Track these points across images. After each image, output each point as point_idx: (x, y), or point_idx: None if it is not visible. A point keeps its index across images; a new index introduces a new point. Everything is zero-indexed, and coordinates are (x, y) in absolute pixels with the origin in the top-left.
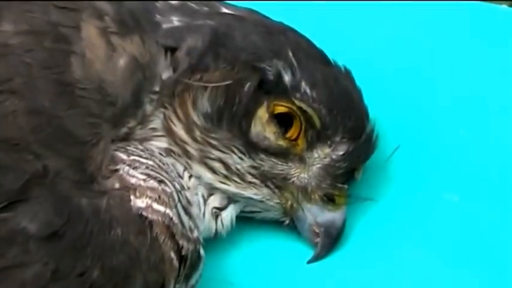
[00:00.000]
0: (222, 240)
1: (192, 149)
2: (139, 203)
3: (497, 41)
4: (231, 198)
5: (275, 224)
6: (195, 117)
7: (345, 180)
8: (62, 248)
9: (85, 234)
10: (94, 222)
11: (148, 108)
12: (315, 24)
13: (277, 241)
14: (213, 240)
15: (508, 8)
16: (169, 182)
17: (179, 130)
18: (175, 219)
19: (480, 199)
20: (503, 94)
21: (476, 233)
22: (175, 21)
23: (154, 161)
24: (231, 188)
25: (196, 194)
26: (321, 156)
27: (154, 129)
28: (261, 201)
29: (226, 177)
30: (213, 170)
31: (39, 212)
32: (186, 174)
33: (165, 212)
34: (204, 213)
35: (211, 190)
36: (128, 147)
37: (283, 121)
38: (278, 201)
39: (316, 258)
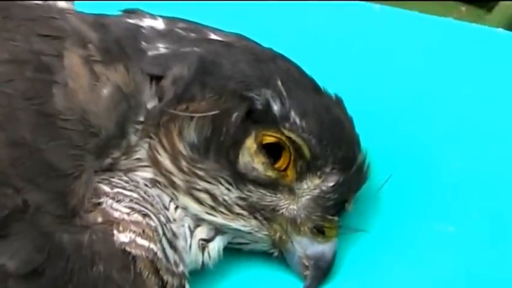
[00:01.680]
0: (209, 273)
1: (178, 179)
2: (122, 237)
3: (494, 68)
4: (218, 230)
5: (264, 255)
6: (181, 147)
7: (336, 212)
8: (42, 286)
9: (66, 271)
10: (75, 258)
11: (133, 138)
12: (305, 51)
13: (266, 273)
14: (200, 273)
15: (504, 32)
16: (154, 215)
17: (165, 160)
18: (160, 254)
19: (476, 230)
20: (497, 123)
21: (470, 264)
22: (162, 48)
23: (138, 193)
24: (218, 219)
25: (183, 226)
26: (311, 187)
27: (139, 159)
28: (249, 233)
29: (213, 208)
30: (199, 201)
31: (18, 249)
32: (172, 206)
33: (149, 246)
34: (190, 245)
35: (198, 221)
36: (112, 179)
37: (272, 151)
38: (267, 233)
39: None
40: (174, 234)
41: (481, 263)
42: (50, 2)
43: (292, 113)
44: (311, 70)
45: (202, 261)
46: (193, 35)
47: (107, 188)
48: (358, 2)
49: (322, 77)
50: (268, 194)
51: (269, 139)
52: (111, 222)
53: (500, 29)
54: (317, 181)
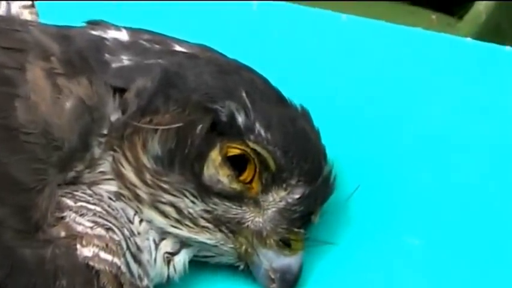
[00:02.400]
0: (175, 286)
1: (143, 192)
2: (86, 252)
3: (462, 78)
4: (183, 243)
5: (230, 268)
6: (145, 160)
7: (302, 224)
8: None
9: (29, 286)
10: (38, 273)
11: (97, 151)
12: (271, 62)
13: (232, 286)
14: (166, 287)
15: (472, 41)
16: (118, 228)
17: (129, 173)
18: (124, 268)
19: (441, 243)
20: (466, 134)
21: (436, 278)
22: (125, 60)
23: (102, 206)
24: (184, 232)
25: (147, 239)
26: (277, 199)
27: (103, 172)
28: (215, 246)
29: (178, 221)
30: (164, 214)
31: None
32: (137, 219)
33: (112, 260)
34: (155, 259)
35: (163, 234)
36: (76, 192)
37: (237, 164)
38: (232, 245)
39: None
40: (138, 247)
41: (447, 276)
42: (14, 12)
43: (257, 125)
44: (276, 80)
45: (168, 275)
46: (157, 46)
47: (70, 202)
48: (325, 10)
49: (288, 88)
50: (234, 207)
51: (234, 151)
52: (75, 237)
53: (468, 39)
54: (283, 193)
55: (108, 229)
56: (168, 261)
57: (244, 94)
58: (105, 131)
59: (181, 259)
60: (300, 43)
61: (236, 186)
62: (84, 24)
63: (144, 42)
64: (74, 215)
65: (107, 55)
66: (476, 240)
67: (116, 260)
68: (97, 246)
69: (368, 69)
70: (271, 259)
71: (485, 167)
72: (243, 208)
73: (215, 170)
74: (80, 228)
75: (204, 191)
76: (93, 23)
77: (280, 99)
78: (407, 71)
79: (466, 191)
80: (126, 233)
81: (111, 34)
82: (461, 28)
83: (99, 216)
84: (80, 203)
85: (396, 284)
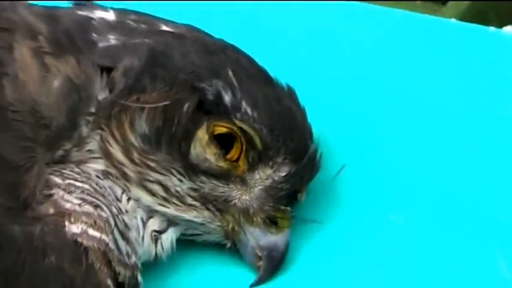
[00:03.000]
0: (162, 265)
1: (130, 171)
2: (74, 228)
3: (447, 58)
4: (171, 221)
5: (217, 247)
6: (132, 138)
7: (288, 202)
8: None
9: (17, 263)
10: (27, 250)
11: (85, 130)
12: (257, 40)
13: (219, 265)
14: (153, 264)
15: (457, 23)
16: (106, 206)
17: (116, 152)
18: (112, 245)
19: (424, 221)
20: (451, 113)
21: (420, 254)
22: (112, 39)
23: (90, 184)
24: (171, 210)
25: (135, 217)
26: (263, 177)
27: (91, 151)
28: (202, 224)
29: (165, 199)
30: (151, 193)
31: None
32: (124, 197)
33: (100, 237)
34: (143, 237)
35: (151, 213)
36: (64, 171)
37: (223, 142)
38: (219, 224)
39: (258, 282)
40: (126, 225)
41: (430, 252)
42: None
43: (244, 104)
44: (263, 60)
45: (155, 253)
46: (144, 26)
47: (58, 180)
48: None
49: (274, 66)
50: (221, 185)
51: (221, 130)
52: (63, 214)
53: (453, 19)
54: (269, 171)
55: (96, 206)
56: (155, 240)
57: (230, 73)
58: (92, 110)
59: (169, 237)
60: (281, 26)
61: (223, 164)
62: (71, 5)
63: (131, 22)
64: (62, 192)
65: (94, 35)
66: (457, 217)
67: (104, 237)
68: (85, 223)
69: (353, 50)
70: (257, 237)
71: (468, 146)
72: (230, 186)
73: (202, 148)
74: (68, 206)
75: (191, 169)
76: (80, 4)
77: (266, 79)
78: (392, 52)
79: (449, 170)
80: (114, 210)
81: (98, 14)
82: (444, 13)
83: (87, 194)
84: (68, 181)
85: (381, 260)
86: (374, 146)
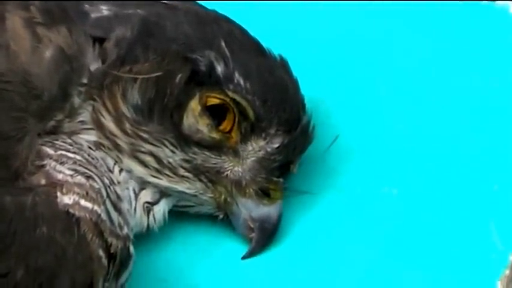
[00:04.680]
0: (154, 236)
1: (122, 142)
2: (66, 199)
3: (454, 35)
4: (163, 193)
5: (209, 218)
6: (124, 109)
7: (281, 174)
8: None
9: (9, 233)
10: (18, 220)
11: (77, 100)
12: (255, 17)
13: (212, 236)
14: (146, 236)
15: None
16: (98, 177)
17: (108, 123)
18: (104, 216)
19: (419, 192)
20: (441, 86)
21: (414, 226)
22: (104, 10)
23: (82, 155)
24: (163, 182)
25: (127, 189)
26: (256, 149)
27: (83, 122)
28: (194, 196)
29: (158, 171)
30: (144, 164)
31: None
32: (117, 168)
33: (92, 208)
34: (135, 208)
35: (143, 184)
36: (56, 142)
37: (216, 113)
38: (211, 195)
39: (250, 253)
40: (118, 196)
41: (424, 224)
42: None
43: (236, 75)
44: (259, 34)
45: (147, 224)
46: None
47: (50, 151)
48: None
49: (269, 39)
50: (213, 156)
51: (213, 101)
52: (55, 184)
53: None
54: (261, 143)
55: (88, 177)
56: (147, 211)
57: (223, 44)
58: (84, 81)
59: (161, 209)
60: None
61: (215, 135)
62: None
63: None
64: (54, 163)
65: (86, 5)
66: (451, 190)
67: (96, 207)
68: (77, 194)
69: (345, 22)
70: (250, 208)
71: (463, 121)
72: (222, 157)
73: (194, 119)
74: (60, 176)
75: (184, 140)
76: None
77: (259, 50)
78: (388, 30)
79: (443, 142)
80: (106, 181)
81: None
82: None
83: (79, 165)
84: (60, 152)
85: (374, 231)
86: (368, 117)
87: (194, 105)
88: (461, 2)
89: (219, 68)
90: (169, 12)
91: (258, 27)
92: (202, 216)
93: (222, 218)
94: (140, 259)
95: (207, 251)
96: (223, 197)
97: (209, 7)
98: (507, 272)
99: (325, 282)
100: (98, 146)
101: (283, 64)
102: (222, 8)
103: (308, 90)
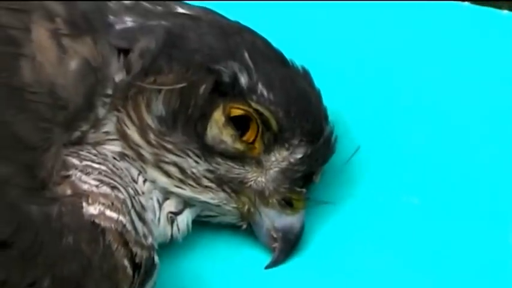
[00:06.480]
0: (178, 246)
1: (147, 152)
2: (91, 210)
3: (459, 40)
4: (186, 203)
5: (233, 228)
6: (149, 120)
7: (304, 184)
8: (12, 257)
9: (35, 243)
10: (45, 230)
11: (101, 111)
12: (274, 24)
13: (235, 246)
14: (169, 246)
15: (468, 5)
16: (123, 187)
17: (133, 133)
18: (129, 226)
19: (440, 201)
20: (464, 95)
21: (435, 236)
22: (129, 21)
23: (107, 166)
24: (187, 192)
25: (151, 199)
26: (279, 159)
27: (107, 132)
28: (218, 206)
29: (181, 181)
30: (168, 174)
31: None
32: (141, 179)
33: (118, 218)
34: (159, 218)
35: (167, 194)
36: (81, 152)
37: (239, 124)
38: (235, 205)
39: (273, 263)
40: (142, 206)
41: (445, 233)
42: None
43: (260, 86)
44: (280, 43)
45: (171, 234)
46: (160, 8)
47: (75, 161)
48: None
49: (291, 50)
50: (236, 167)
51: (237, 111)
52: (80, 195)
53: (466, 3)
54: (285, 153)
55: (113, 188)
56: (171, 221)
57: (246, 55)
58: (109, 92)
59: (185, 219)
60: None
61: (239, 146)
62: None
63: (147, 4)
64: (79, 173)
65: (110, 17)
66: (473, 199)
67: (121, 218)
68: (102, 204)
69: (364, 32)
70: (273, 218)
71: (483, 128)
72: (246, 168)
73: (218, 130)
74: (85, 187)
75: (207, 151)
76: None
77: (281, 60)
78: (405, 36)
79: (464, 151)
80: (131, 192)
81: None
82: None
83: (104, 175)
84: (85, 162)
85: (396, 241)
86: (389, 127)
87: (218, 116)
88: (481, 9)
89: (243, 79)
90: (193, 23)
91: (273, 34)
92: (225, 226)
93: (244, 227)
94: (163, 268)
95: (229, 259)
96: (246, 207)
97: (209, 7)
98: None
99: None
100: (122, 156)
101: (305, 75)
102: (231, 10)
103: (330, 100)
